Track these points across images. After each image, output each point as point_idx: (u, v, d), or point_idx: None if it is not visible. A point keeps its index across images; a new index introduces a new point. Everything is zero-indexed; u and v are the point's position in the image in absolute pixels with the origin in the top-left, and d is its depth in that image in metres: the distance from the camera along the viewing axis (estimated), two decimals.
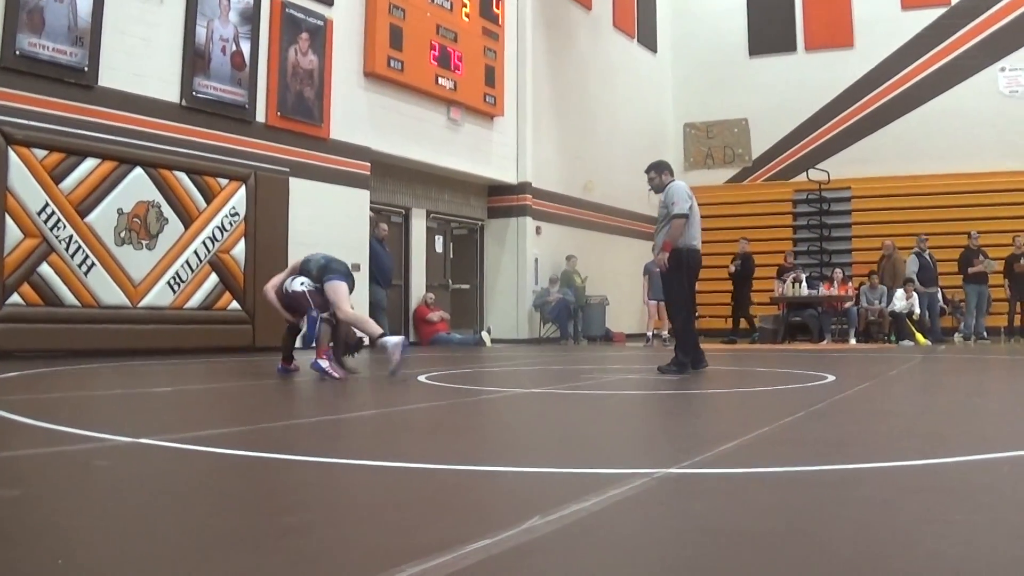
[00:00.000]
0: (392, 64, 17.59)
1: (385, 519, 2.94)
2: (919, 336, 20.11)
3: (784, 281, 21.66)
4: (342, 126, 16.70)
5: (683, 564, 2.39)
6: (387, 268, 17.70)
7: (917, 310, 20.60)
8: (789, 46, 27.89)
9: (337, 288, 8.95)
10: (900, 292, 20.79)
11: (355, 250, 16.86)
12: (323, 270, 9.04)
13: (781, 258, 22.99)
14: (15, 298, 11.64)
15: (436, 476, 3.74)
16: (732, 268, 21.88)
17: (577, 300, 21.69)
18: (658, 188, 10.18)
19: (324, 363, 8.56)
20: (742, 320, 22.13)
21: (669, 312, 10.40)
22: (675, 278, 9.91)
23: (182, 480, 3.66)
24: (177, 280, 13.54)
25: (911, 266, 21.25)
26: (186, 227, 13.68)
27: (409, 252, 19.69)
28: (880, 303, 21.06)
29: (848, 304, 21.10)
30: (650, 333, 20.62)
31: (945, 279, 21.91)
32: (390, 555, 2.42)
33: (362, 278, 17.03)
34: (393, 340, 8.83)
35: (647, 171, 10.39)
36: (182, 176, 13.66)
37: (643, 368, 11.75)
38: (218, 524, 2.84)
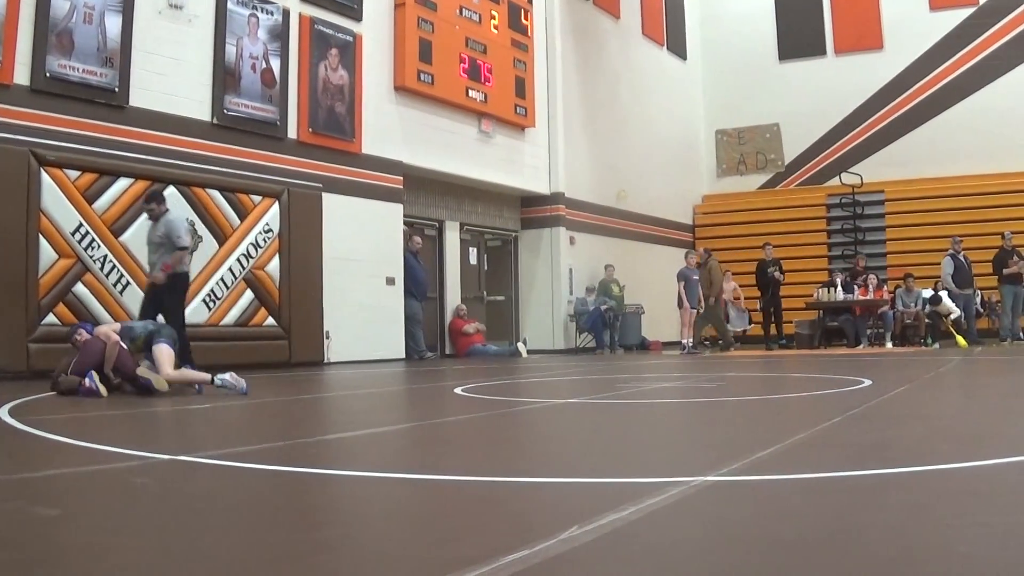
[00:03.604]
0: (422, 78, 17.65)
1: (421, 532, 2.95)
2: (959, 338, 19.91)
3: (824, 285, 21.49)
4: (374, 140, 16.77)
5: (721, 573, 2.38)
6: (422, 281, 17.77)
7: (956, 311, 20.41)
8: (819, 50, 27.80)
9: (163, 351, 8.97)
10: (928, 291, 20.73)
11: (390, 264, 16.95)
12: (153, 335, 9.07)
13: (815, 263, 22.74)
14: (50, 318, 11.72)
15: (473, 488, 3.74)
16: (779, 275, 21.56)
17: (616, 309, 21.60)
18: (156, 217, 11.03)
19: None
20: (775, 325, 21.88)
21: (176, 326, 10.49)
22: (178, 299, 11.09)
23: (219, 497, 3.67)
24: (212, 297, 13.62)
25: (947, 268, 21.05)
26: (220, 244, 13.76)
27: (443, 265, 19.71)
28: (916, 306, 20.89)
29: (884, 308, 20.94)
30: (685, 341, 20.30)
31: (980, 280, 21.69)
32: (426, 567, 2.42)
33: (397, 291, 17.10)
34: (228, 374, 8.81)
35: (147, 201, 11.35)
36: (215, 194, 13.74)
37: (679, 376, 11.72)
38: (255, 540, 2.85)
